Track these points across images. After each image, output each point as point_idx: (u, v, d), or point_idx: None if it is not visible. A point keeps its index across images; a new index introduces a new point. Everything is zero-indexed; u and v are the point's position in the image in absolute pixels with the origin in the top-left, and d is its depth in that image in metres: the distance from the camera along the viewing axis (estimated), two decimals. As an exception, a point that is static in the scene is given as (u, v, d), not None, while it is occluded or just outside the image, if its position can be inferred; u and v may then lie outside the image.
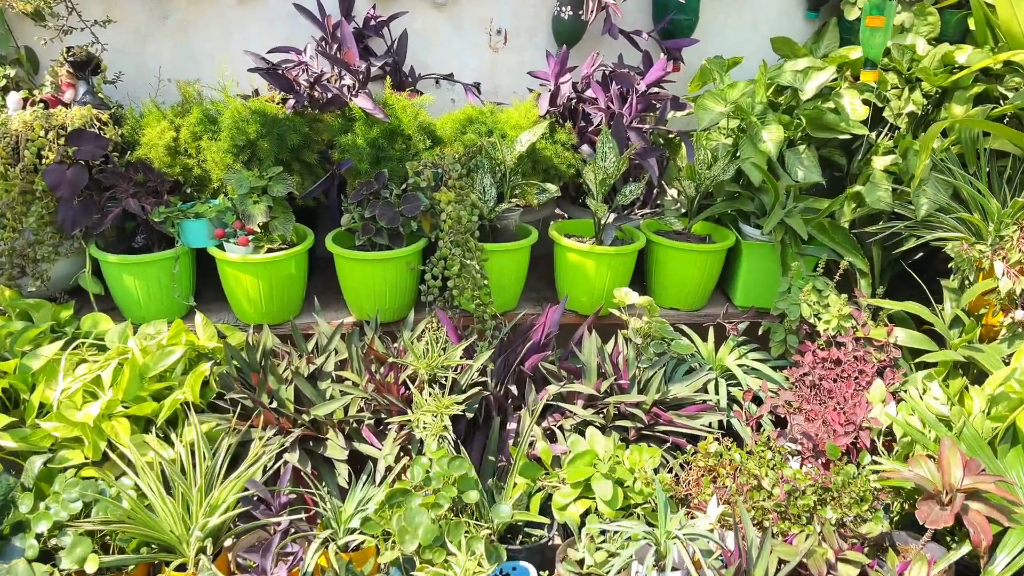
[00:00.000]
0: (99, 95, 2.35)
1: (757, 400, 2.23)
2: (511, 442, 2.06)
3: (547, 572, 1.71)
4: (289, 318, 2.35)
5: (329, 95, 2.32)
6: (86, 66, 2.31)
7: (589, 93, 2.52)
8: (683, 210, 2.60)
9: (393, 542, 1.67)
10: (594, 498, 1.83)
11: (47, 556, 1.64)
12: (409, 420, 1.89)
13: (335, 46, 2.40)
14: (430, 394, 1.95)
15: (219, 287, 2.30)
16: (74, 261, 2.26)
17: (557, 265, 2.42)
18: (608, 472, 1.82)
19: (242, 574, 1.71)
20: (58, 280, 2.27)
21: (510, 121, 2.40)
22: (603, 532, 1.72)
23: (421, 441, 1.94)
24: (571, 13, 2.54)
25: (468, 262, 2.18)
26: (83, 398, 1.86)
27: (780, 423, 2.23)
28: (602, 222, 2.37)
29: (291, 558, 1.68)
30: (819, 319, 2.23)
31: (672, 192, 2.69)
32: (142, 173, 2.19)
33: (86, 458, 1.78)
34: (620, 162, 2.26)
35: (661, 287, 2.49)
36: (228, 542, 1.77)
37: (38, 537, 1.62)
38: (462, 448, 1.87)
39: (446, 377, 1.99)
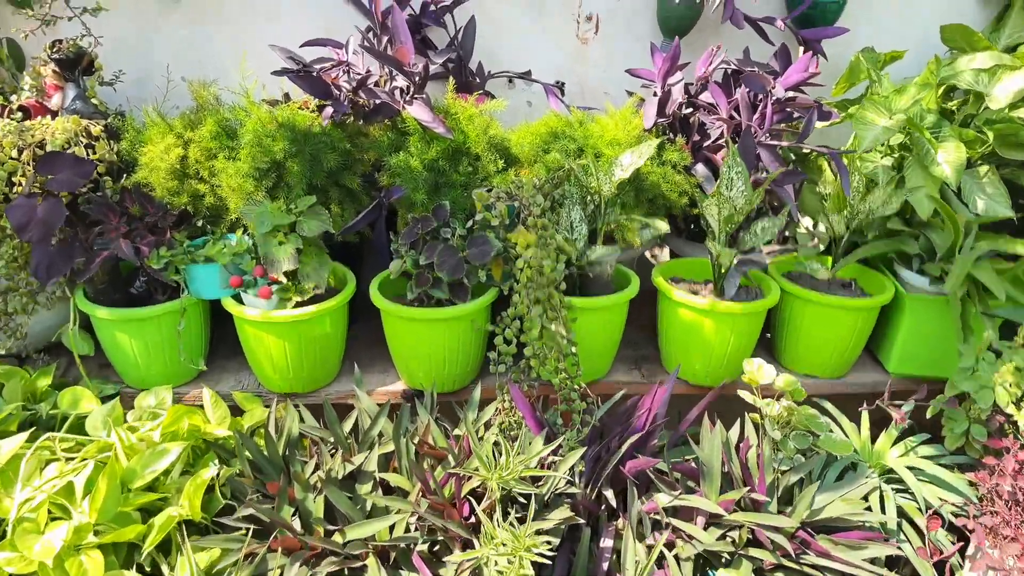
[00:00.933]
0: (92, 100, 1.88)
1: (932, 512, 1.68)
2: (604, 565, 1.55)
3: None
4: (324, 384, 1.87)
5: (376, 102, 1.81)
6: (76, 64, 1.84)
7: (705, 98, 1.97)
8: (819, 246, 2.04)
9: None
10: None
11: None
12: (476, 556, 1.40)
13: (384, 39, 1.89)
14: (503, 517, 1.45)
15: (239, 344, 1.83)
16: (58, 312, 1.81)
17: (663, 322, 1.89)
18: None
19: None
20: (40, 333, 1.82)
21: (605, 135, 1.87)
22: None
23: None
24: (683, -6, 1.99)
25: (550, 324, 1.67)
26: (48, 514, 1.40)
27: (954, 531, 1.69)
28: (723, 268, 1.83)
29: None
30: (1021, 409, 1.66)
31: (806, 222, 2.13)
32: (139, 204, 1.71)
33: (44, 608, 1.33)
34: (754, 195, 1.71)
35: (793, 348, 1.94)
36: None
37: None
38: (549, 600, 1.37)
39: (523, 484, 1.48)
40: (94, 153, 1.71)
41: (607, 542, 1.58)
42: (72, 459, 1.50)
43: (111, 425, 1.56)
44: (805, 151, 2.01)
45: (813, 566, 1.53)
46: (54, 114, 1.88)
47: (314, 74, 1.74)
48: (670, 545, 1.57)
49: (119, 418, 1.60)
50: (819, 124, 2.04)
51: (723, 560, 1.56)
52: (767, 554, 1.52)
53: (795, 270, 2.01)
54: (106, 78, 1.93)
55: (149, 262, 1.67)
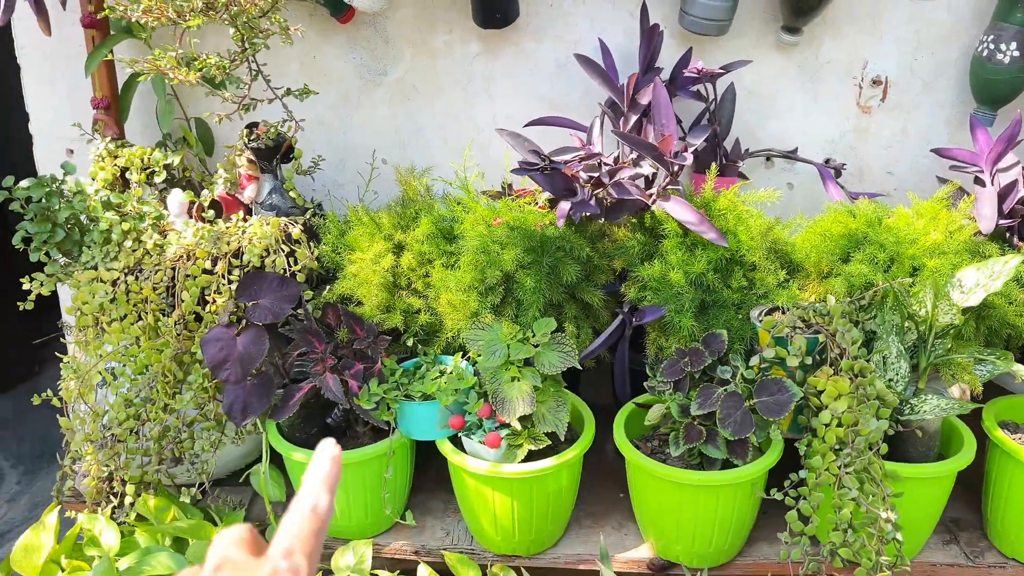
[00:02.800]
0: (290, 192, 1.62)
1: None
2: None
3: None
4: (550, 545, 1.51)
5: (626, 197, 1.45)
6: (275, 153, 1.59)
7: (1049, 187, 1.50)
8: None
9: None
10: None
11: None
12: None
13: (632, 117, 1.54)
14: None
15: (443, 473, 1.51)
16: (248, 444, 1.54)
17: (1001, 487, 1.42)
18: None
19: None
20: (226, 465, 1.56)
21: (921, 239, 1.44)
22: None
23: None
24: (1016, 54, 1.53)
25: (872, 508, 1.24)
26: None
27: None
28: (1094, 422, 1.35)
29: None
30: None
31: None
32: (346, 325, 1.42)
33: None
34: None
35: None
36: None
37: None
38: None
39: None
40: (295, 263, 1.44)
41: None
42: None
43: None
44: None
45: None
46: (247, 209, 1.64)
47: (558, 169, 1.41)
48: None
49: (321, 597, 1.30)
50: None
51: None
52: None
53: None
54: (303, 165, 1.68)
55: (359, 401, 1.37)
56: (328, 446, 0.45)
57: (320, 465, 0.44)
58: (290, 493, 1.52)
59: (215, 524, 1.44)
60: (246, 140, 1.57)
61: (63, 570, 1.31)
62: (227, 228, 1.47)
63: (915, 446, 1.39)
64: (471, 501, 1.43)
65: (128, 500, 1.43)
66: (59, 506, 1.42)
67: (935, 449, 1.41)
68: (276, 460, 1.53)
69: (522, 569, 1.43)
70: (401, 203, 1.64)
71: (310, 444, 1.45)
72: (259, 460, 1.48)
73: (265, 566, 0.39)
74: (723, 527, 1.38)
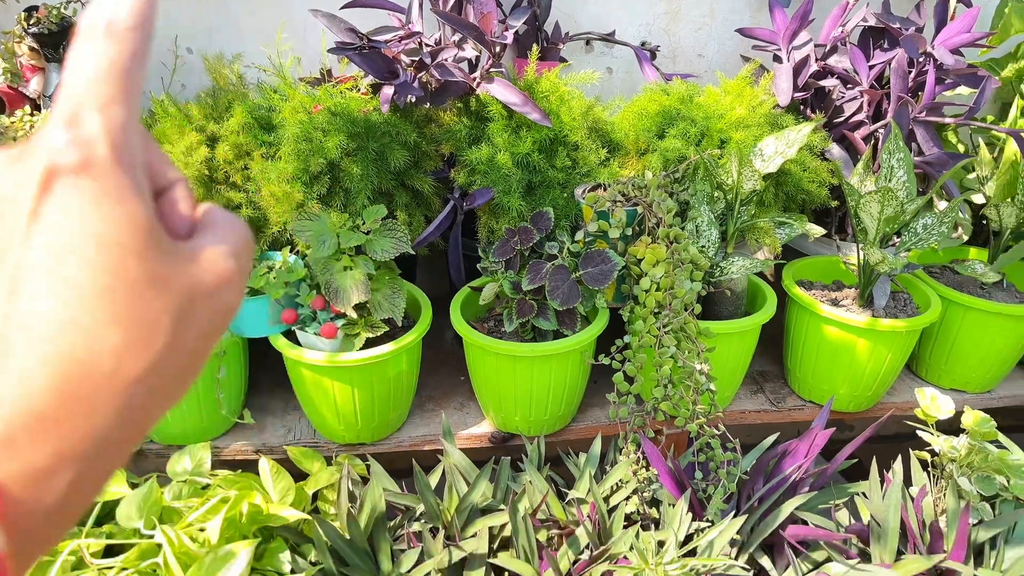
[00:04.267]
0: (84, 84, 1.47)
1: None
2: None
3: None
4: (395, 429, 1.54)
5: (449, 80, 1.44)
6: (60, 40, 1.43)
7: (837, 63, 1.62)
8: (963, 237, 1.74)
9: None
10: None
11: None
12: None
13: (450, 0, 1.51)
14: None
15: (279, 371, 1.49)
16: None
17: (798, 340, 1.59)
18: None
19: None
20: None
21: (728, 114, 1.52)
22: None
23: None
24: (808, -65, 1.62)
25: (688, 362, 1.35)
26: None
27: None
28: (872, 275, 1.52)
29: None
30: None
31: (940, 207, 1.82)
32: (160, 223, 1.34)
33: None
34: (922, 191, 1.39)
35: (939, 361, 1.65)
36: None
37: None
38: None
39: (685, 579, 1.18)
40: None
41: (762, 619, 1.30)
42: (107, 568, 1.17)
43: (152, 518, 1.22)
44: (986, 131, 1.69)
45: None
46: (34, 103, 1.48)
47: (377, 49, 1.36)
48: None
49: (159, 503, 1.26)
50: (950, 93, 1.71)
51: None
52: (970, 636, 1.25)
53: (933, 263, 1.72)
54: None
55: (181, 300, 1.30)
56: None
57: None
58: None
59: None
60: (25, 25, 1.40)
61: None
62: (11, 124, 1.33)
63: (725, 306, 1.51)
64: (311, 394, 1.42)
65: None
66: None
67: (742, 308, 1.54)
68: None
69: (367, 455, 1.45)
70: (212, 94, 1.53)
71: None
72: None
73: (38, 152, 0.25)
74: (557, 395, 1.46)
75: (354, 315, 1.35)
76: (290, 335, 1.42)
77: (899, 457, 1.47)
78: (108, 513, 1.27)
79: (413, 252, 1.45)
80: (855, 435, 1.42)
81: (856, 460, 1.53)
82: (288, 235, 1.44)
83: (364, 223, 1.35)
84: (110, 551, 1.21)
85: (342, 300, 1.33)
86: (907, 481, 1.46)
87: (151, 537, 1.18)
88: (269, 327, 1.39)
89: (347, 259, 1.34)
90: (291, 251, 1.43)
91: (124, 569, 1.15)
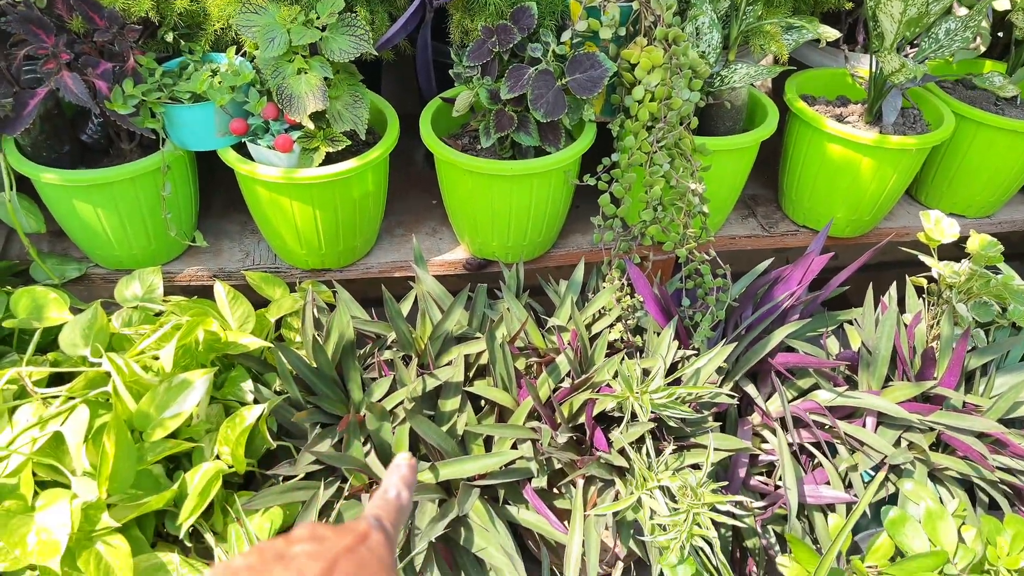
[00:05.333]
0: None
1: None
2: (741, 472, 1.26)
3: None
4: (362, 255, 1.43)
5: None
6: None
7: None
8: (980, 48, 1.59)
9: None
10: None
11: None
12: (626, 505, 1.07)
13: None
14: (649, 448, 1.11)
15: (234, 191, 1.35)
16: (-16, 173, 1.28)
17: (797, 158, 1.47)
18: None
19: None
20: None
21: None
22: None
23: (633, 524, 1.14)
24: None
25: (682, 180, 1.24)
26: (34, 477, 1.00)
27: None
28: (883, 87, 1.38)
29: None
30: None
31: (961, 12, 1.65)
32: (80, 13, 1.14)
33: (57, 621, 0.97)
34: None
35: (941, 183, 1.56)
36: None
37: None
38: (723, 562, 1.06)
39: (674, 405, 1.13)
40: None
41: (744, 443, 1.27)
42: (52, 397, 1.08)
43: (98, 344, 1.12)
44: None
45: (1004, 468, 1.26)
46: None
47: None
48: (819, 444, 1.28)
49: (105, 329, 1.16)
50: None
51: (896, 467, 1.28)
52: (954, 460, 1.23)
53: (946, 77, 1.58)
54: None
55: (112, 105, 1.14)
56: (402, 457, 0.54)
57: (398, 467, 0.53)
58: (48, 219, 1.31)
59: (-39, 266, 1.23)
60: None
61: None
62: None
63: (723, 121, 1.38)
64: (268, 216, 1.29)
65: None
66: None
67: (740, 124, 1.41)
68: (28, 189, 1.29)
69: (333, 281, 1.35)
70: None
71: (63, 165, 1.23)
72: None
73: (360, 521, 0.46)
74: (538, 219, 1.35)
75: (311, 126, 1.20)
76: (242, 149, 1.27)
77: (894, 284, 1.40)
78: (51, 341, 1.17)
79: (376, 55, 1.28)
80: (845, 265, 1.34)
81: (846, 288, 1.46)
82: (233, 33, 1.25)
83: (318, 17, 1.17)
84: (55, 381, 1.12)
85: (296, 108, 1.17)
86: (901, 309, 1.40)
87: (99, 365, 1.09)
88: (216, 139, 1.24)
89: (300, 60, 1.17)
90: (237, 52, 1.26)
91: (71, 398, 1.06)
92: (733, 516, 1.03)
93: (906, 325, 1.34)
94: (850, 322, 1.42)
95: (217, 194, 1.51)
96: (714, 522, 1.14)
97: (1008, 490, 1.27)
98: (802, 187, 1.47)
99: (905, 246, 1.50)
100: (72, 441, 1.01)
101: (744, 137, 1.32)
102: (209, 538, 1.06)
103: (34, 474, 1.01)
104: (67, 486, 1.00)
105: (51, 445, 1.03)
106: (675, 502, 1.05)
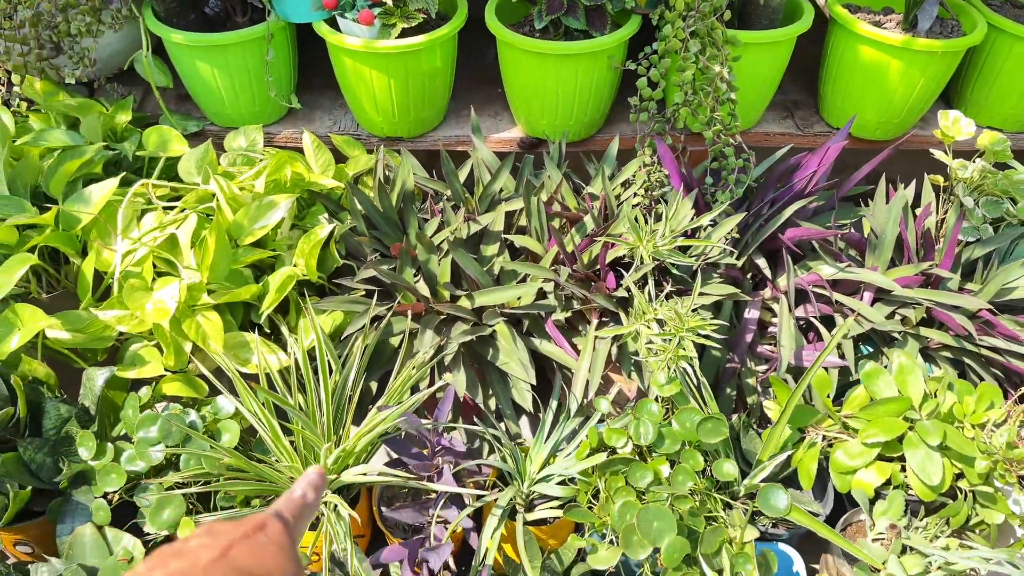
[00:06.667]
0: None
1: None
2: (748, 337, 1.42)
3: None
4: (431, 128, 1.64)
5: None
6: None
7: None
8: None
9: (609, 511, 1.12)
10: (900, 462, 1.22)
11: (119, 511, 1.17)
12: (625, 331, 1.25)
13: None
14: (655, 289, 1.29)
15: (328, 73, 1.58)
16: (127, 35, 1.56)
17: (833, 61, 1.57)
18: (932, 432, 1.18)
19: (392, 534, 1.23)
20: (109, 59, 1.59)
21: None
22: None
23: (634, 354, 1.32)
24: None
25: (710, 65, 1.38)
26: (153, 268, 1.27)
27: None
28: (921, -7, 1.47)
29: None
30: None
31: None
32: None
33: (165, 370, 1.25)
34: None
35: (980, 94, 1.62)
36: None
37: (106, 495, 1.14)
38: (704, 382, 1.24)
39: (677, 255, 1.29)
40: None
41: (752, 313, 1.43)
42: (169, 208, 1.35)
43: (207, 171, 1.38)
44: None
45: (992, 348, 1.37)
46: None
47: None
48: (827, 320, 1.41)
49: (213, 163, 1.42)
50: None
51: (889, 340, 1.41)
52: (943, 335, 1.35)
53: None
54: None
55: (228, -25, 1.38)
56: (312, 469, 0.61)
57: (307, 475, 0.59)
58: (176, 78, 1.58)
59: (106, 110, 1.51)
60: None
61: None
62: None
63: (760, 19, 1.51)
64: (351, 82, 1.52)
65: (15, 88, 1.47)
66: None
67: (778, 24, 1.53)
68: (160, 52, 1.56)
69: (403, 150, 1.57)
70: None
71: (190, 30, 1.48)
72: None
73: (258, 515, 0.52)
74: (583, 100, 1.52)
75: (390, 3, 1.41)
76: (333, 25, 1.49)
77: (913, 182, 1.50)
78: (172, 176, 1.44)
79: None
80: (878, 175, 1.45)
81: (869, 188, 1.57)
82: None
83: (401, -94, 1.36)
84: (173, 201, 1.38)
85: (378, -15, 1.38)
86: (917, 204, 1.51)
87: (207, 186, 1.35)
88: (312, 12, 1.46)
89: (384, -57, 1.38)
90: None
91: (183, 209, 1.33)
92: (710, 339, 1.19)
93: (916, 216, 1.45)
94: (866, 216, 1.53)
95: (315, 77, 1.74)
96: (716, 384, 1.32)
97: (999, 372, 1.38)
98: (836, 89, 1.58)
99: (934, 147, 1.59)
100: (183, 241, 1.27)
101: (777, 32, 1.45)
102: (284, 330, 1.31)
103: (153, 265, 1.28)
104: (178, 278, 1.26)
105: (167, 246, 1.29)
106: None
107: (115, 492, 1.13)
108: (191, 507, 1.16)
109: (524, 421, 1.38)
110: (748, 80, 1.50)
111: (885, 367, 1.29)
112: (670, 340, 1.19)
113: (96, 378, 1.20)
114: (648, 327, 1.23)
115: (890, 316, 1.38)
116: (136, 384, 1.27)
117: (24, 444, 1.13)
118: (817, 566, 1.32)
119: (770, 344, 1.47)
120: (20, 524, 1.16)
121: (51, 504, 1.15)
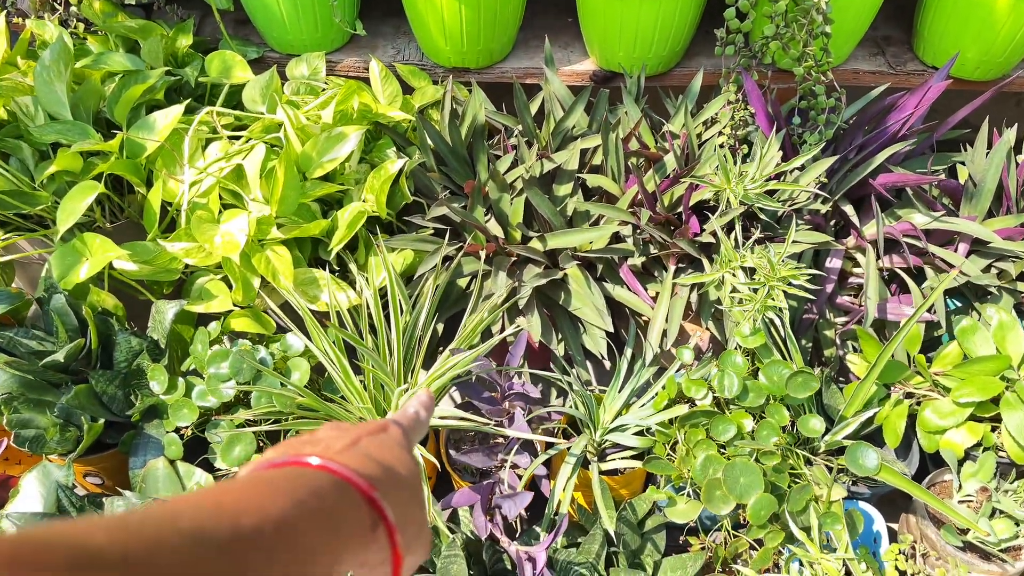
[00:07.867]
0: None
1: None
2: (828, 288, 1.36)
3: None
4: (500, 59, 1.57)
5: None
6: None
7: None
8: None
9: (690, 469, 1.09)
10: (995, 423, 1.17)
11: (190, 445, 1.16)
12: (708, 279, 1.19)
13: None
14: (743, 236, 1.22)
15: (393, 4, 1.51)
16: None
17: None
18: (1031, 395, 1.12)
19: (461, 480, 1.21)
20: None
21: None
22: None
23: (715, 303, 1.27)
24: None
25: (809, -5, 1.28)
26: (220, 200, 1.24)
27: None
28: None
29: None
30: None
31: None
32: None
33: (233, 305, 1.22)
34: None
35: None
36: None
37: (178, 430, 1.13)
38: (790, 334, 1.18)
39: (765, 199, 1.23)
40: None
41: (834, 262, 1.36)
42: (235, 138, 1.30)
43: (273, 99, 1.33)
44: None
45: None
46: None
47: None
48: (917, 272, 1.34)
49: (279, 91, 1.36)
50: None
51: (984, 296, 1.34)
52: (1041, 292, 1.28)
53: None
54: None
55: None
56: (422, 390, 0.60)
57: (418, 396, 0.59)
58: (236, 1, 1.51)
59: (166, 33, 1.45)
60: None
61: (19, 69, 1.34)
62: None
63: (860, -55, 1.39)
64: (420, 8, 1.44)
65: (73, 8, 1.42)
66: (4, 11, 1.41)
67: (879, -50, 1.42)
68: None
69: (472, 82, 1.50)
70: None
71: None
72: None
73: (378, 420, 0.54)
74: (664, 29, 1.43)
75: (465, -78, 1.32)
76: (401, -55, 1.41)
77: (1015, 125, 1.41)
78: (235, 104, 1.39)
79: None
80: (978, 125, 1.35)
81: (966, 132, 1.47)
82: None
83: None
84: (238, 131, 1.34)
85: (453, -97, 1.29)
86: (1018, 151, 1.41)
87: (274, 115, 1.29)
88: (381, -68, 1.38)
89: None
90: None
91: (249, 139, 1.28)
92: (805, 290, 1.14)
93: (1019, 164, 1.36)
94: (964, 163, 1.44)
95: (375, 4, 1.66)
96: (796, 334, 1.26)
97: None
98: (934, 23, 1.47)
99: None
100: (251, 172, 1.23)
101: (878, -40, 1.34)
102: (352, 267, 1.28)
103: (220, 197, 1.24)
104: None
105: (233, 177, 1.25)
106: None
107: (187, 427, 1.12)
108: (261, 444, 1.15)
109: (590, 368, 1.35)
110: (841, 12, 1.40)
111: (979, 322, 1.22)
112: (758, 289, 1.13)
113: (166, 311, 1.18)
114: (734, 275, 1.18)
115: (985, 270, 1.31)
116: (203, 319, 1.25)
117: (96, 376, 1.12)
118: (894, 525, 1.28)
119: (850, 295, 1.41)
120: (91, 456, 1.16)
121: (124, 437, 1.14)
